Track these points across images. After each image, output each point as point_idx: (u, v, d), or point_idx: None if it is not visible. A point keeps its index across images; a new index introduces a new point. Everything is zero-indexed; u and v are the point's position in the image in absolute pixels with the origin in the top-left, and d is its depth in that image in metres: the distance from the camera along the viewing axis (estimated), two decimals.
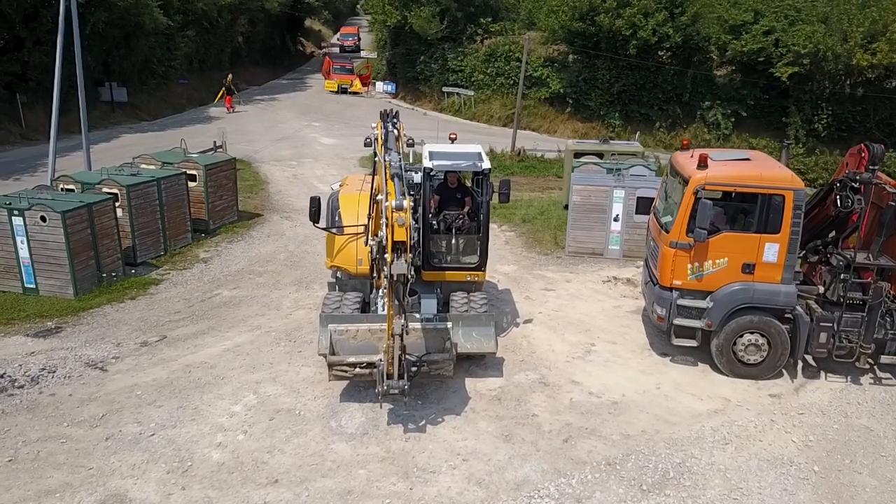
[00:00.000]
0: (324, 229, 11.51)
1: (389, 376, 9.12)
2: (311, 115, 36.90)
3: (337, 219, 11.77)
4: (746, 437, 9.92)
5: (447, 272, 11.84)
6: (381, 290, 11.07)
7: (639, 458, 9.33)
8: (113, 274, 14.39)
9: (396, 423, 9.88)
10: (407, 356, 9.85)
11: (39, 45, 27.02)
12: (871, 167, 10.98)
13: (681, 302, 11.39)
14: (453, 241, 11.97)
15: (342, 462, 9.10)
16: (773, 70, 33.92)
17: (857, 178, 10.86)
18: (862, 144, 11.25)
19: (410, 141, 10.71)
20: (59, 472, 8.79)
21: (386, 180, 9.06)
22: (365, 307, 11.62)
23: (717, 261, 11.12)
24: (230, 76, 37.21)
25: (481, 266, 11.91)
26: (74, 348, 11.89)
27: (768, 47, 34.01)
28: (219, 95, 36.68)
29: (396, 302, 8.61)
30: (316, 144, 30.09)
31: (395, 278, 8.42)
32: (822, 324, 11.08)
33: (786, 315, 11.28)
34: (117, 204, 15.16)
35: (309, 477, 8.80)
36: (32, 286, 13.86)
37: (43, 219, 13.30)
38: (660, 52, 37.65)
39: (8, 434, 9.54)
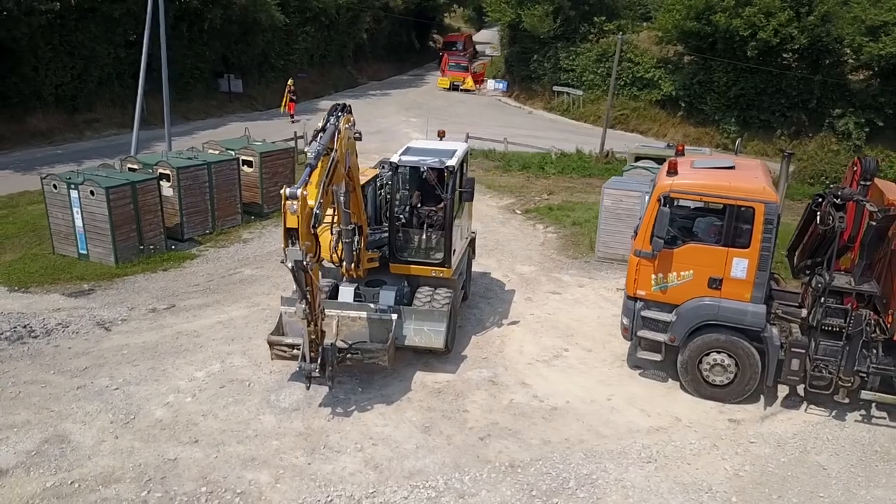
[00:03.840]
0: None
1: (304, 358, 9.66)
2: (414, 110, 37.93)
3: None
4: (675, 459, 9.44)
5: (412, 266, 11.99)
6: (345, 277, 11.60)
7: (545, 465, 9.19)
8: (151, 247, 15.91)
9: (329, 404, 10.35)
10: (341, 342, 10.34)
11: None
12: (861, 182, 10.00)
13: (645, 313, 10.97)
14: (423, 236, 12.06)
15: (262, 432, 9.71)
16: None
17: (839, 193, 9.93)
18: (856, 158, 10.25)
19: (357, 135, 11.00)
20: (27, 411, 10.08)
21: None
22: (337, 293, 12.03)
23: (682, 273, 10.60)
24: (291, 81, 34.45)
25: (445, 262, 11.87)
26: (93, 308, 13.38)
27: None
28: (283, 102, 33.97)
29: (298, 288, 9.04)
30: (405, 139, 30.79)
31: (292, 266, 8.78)
32: (794, 349, 10.23)
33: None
34: (169, 184, 16.77)
35: (226, 441, 9.50)
36: (84, 252, 15.66)
37: (92, 193, 15.01)
38: (784, 55, 35.18)
39: (5, 375, 11.01)
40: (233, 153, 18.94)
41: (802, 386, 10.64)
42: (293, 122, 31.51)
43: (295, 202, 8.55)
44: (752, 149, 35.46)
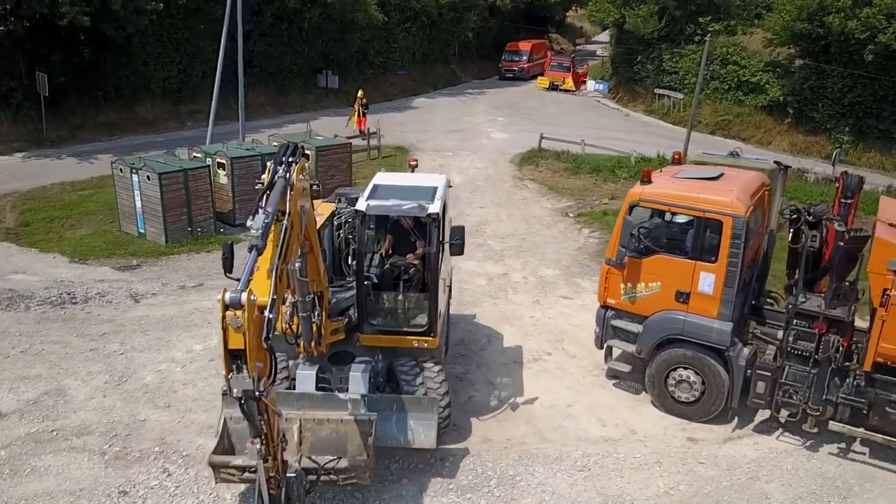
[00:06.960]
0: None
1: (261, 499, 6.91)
2: (503, 109, 38.08)
3: None
4: (611, 470, 9.33)
5: (387, 336, 9.48)
6: (300, 357, 9.32)
7: (473, 461, 9.37)
8: (199, 229, 17.30)
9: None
10: (308, 459, 8.07)
11: (263, 36, 32.09)
12: (842, 200, 9.39)
13: (615, 323, 10.84)
14: (399, 296, 9.69)
15: None
16: None
17: (812, 210, 9.38)
18: (840, 174, 9.63)
19: (315, 185, 8.19)
20: (42, 366, 11.46)
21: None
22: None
23: (650, 284, 10.38)
24: (361, 92, 30.57)
25: (430, 331, 9.38)
26: (132, 282, 14.84)
27: None
28: (352, 115, 29.97)
29: (250, 424, 6.39)
30: (485, 138, 31.29)
31: (241, 397, 6.15)
32: (759, 371, 9.77)
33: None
34: (224, 172, 18.14)
35: (193, 409, 10.41)
36: (143, 231, 17.31)
37: (148, 177, 16.57)
38: None
39: (37, 334, 12.53)
40: None
41: (786, 412, 10.12)
42: (363, 138, 27.10)
43: (239, 314, 5.90)
44: (867, 161, 32.98)
